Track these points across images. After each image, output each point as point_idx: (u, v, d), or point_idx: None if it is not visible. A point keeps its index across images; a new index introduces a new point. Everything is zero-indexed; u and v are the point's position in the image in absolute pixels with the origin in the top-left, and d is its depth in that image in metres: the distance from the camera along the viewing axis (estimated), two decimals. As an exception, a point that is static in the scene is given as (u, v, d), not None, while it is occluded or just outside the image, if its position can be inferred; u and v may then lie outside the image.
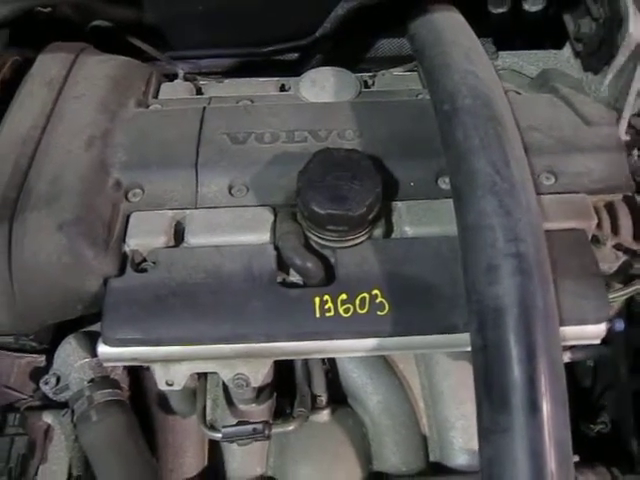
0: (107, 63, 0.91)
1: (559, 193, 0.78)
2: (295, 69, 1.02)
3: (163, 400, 0.80)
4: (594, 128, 0.82)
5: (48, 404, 0.77)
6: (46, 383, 0.75)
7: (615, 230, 0.80)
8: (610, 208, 0.80)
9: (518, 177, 0.64)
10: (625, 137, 0.85)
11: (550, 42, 0.99)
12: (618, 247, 0.79)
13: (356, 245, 0.72)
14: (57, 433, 0.75)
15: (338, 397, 0.82)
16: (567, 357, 0.99)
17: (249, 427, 0.70)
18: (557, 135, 0.81)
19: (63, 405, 0.76)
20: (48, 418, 0.76)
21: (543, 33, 1.02)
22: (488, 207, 0.62)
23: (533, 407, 0.56)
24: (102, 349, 0.69)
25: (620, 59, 0.81)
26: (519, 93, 0.92)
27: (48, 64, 0.88)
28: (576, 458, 0.79)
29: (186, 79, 1.01)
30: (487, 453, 0.59)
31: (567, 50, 0.95)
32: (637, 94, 0.82)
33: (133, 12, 1.07)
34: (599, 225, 0.78)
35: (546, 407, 0.56)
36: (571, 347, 0.98)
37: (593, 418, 0.97)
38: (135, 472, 0.65)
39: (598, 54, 0.84)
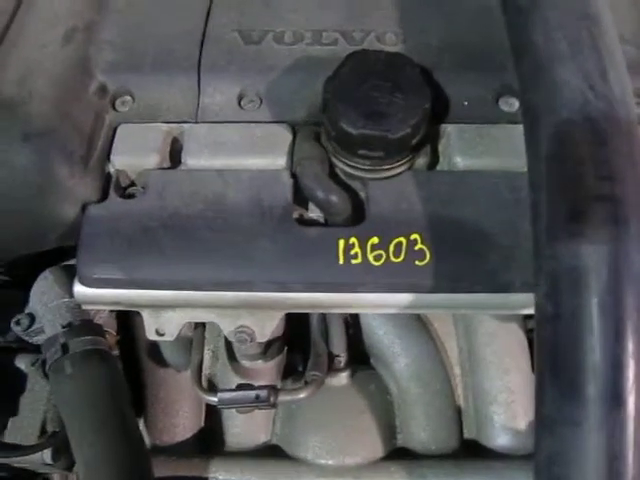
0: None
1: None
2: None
3: (155, 350, 0.69)
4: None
5: (22, 347, 0.67)
6: (18, 323, 0.64)
7: None
8: None
9: (619, 94, 0.48)
10: None
11: None
12: None
13: (394, 177, 0.58)
14: (31, 382, 0.65)
15: (360, 358, 0.69)
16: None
17: (251, 393, 0.58)
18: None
19: (38, 349, 0.66)
20: (21, 363, 0.65)
21: None
22: (576, 133, 0.47)
23: (616, 399, 0.44)
24: (78, 289, 0.58)
25: None
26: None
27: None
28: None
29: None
30: (548, 447, 0.47)
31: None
32: None
33: None
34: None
35: (633, 400, 0.44)
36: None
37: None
38: (115, 437, 0.55)
39: None
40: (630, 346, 0.44)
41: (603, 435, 0.44)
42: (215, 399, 0.59)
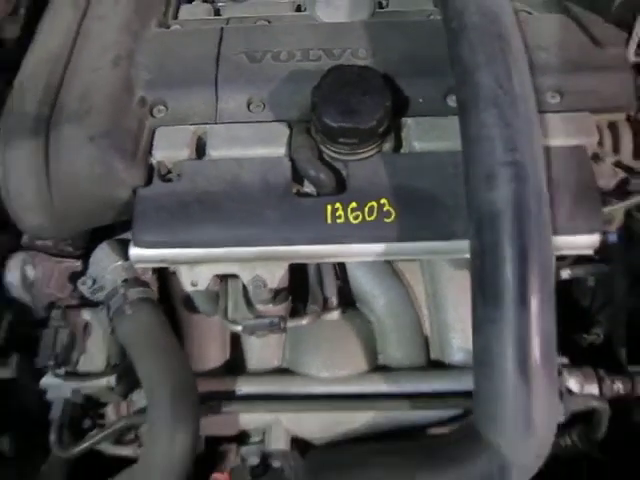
0: (128, -16, 0.94)
1: (564, 111, 0.81)
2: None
3: (188, 302, 0.87)
4: (603, 49, 0.84)
5: (85, 303, 0.85)
6: (83, 284, 0.82)
7: (616, 148, 0.83)
8: (613, 127, 0.83)
9: (520, 91, 0.67)
10: (634, 58, 0.87)
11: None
12: (618, 164, 0.82)
13: (366, 158, 0.77)
14: (95, 328, 0.83)
15: (348, 302, 0.89)
16: (567, 273, 1.04)
17: (267, 320, 0.77)
18: (565, 55, 0.83)
19: (98, 304, 0.84)
20: (86, 315, 0.84)
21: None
22: (489, 119, 0.66)
23: (522, 301, 0.62)
24: (133, 251, 0.76)
25: (632, -23, 0.81)
26: (530, 13, 0.93)
27: (73, -15, 0.91)
28: (565, 360, 0.86)
29: (204, 1, 1.03)
30: (478, 342, 0.66)
31: (582, -31, 0.95)
32: (648, 14, 0.83)
33: None
34: (600, 142, 0.81)
35: (534, 302, 0.62)
36: (573, 263, 1.03)
37: (588, 330, 1.04)
38: (167, 357, 0.73)
39: (610, -28, 0.85)
40: (531, 265, 0.63)
41: (514, 327, 0.62)
42: (239, 327, 0.78)
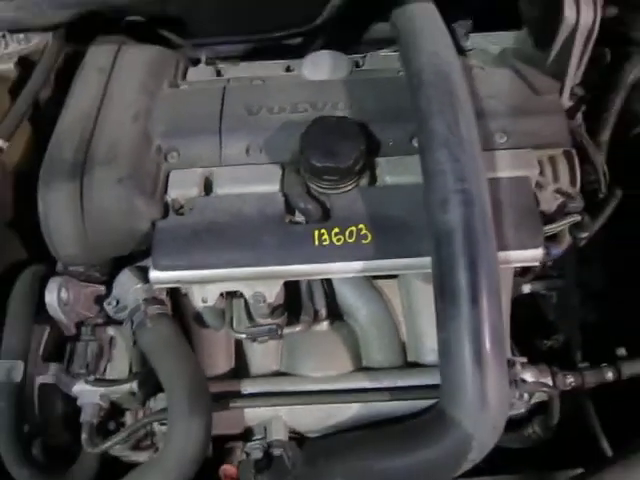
0: (144, 52, 1.12)
1: (510, 148, 0.97)
2: (298, 52, 1.21)
3: (198, 317, 1.01)
4: (541, 96, 1.01)
5: (109, 322, 0.99)
6: (109, 304, 0.96)
7: (556, 178, 0.99)
8: (552, 160, 1.00)
9: (466, 134, 0.83)
10: (569, 103, 1.05)
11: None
12: (558, 191, 0.98)
13: (346, 192, 0.92)
14: (119, 341, 0.97)
15: (335, 315, 1.03)
16: (528, 288, 1.20)
17: (266, 327, 0.91)
18: (510, 102, 1.00)
19: (121, 323, 0.98)
20: (111, 331, 0.98)
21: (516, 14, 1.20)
22: (442, 157, 0.81)
23: (473, 301, 0.76)
24: (153, 274, 0.90)
25: (560, 38, 0.98)
26: (483, 68, 1.10)
27: (98, 54, 1.09)
28: (524, 359, 1.00)
29: (207, 63, 1.21)
30: (441, 336, 0.79)
31: (524, 31, 1.13)
32: (575, 67, 1.00)
33: (159, 8, 1.27)
34: (542, 173, 0.98)
35: (483, 301, 0.76)
36: (533, 279, 1.18)
37: (549, 337, 1.18)
38: (184, 362, 0.86)
39: (544, 34, 1.02)
40: (479, 271, 0.76)
41: (468, 321, 0.75)
42: (243, 335, 0.92)
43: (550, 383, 0.96)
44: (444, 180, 0.80)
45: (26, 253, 1.05)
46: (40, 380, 0.90)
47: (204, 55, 1.23)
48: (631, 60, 1.07)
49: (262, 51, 1.27)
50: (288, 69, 1.15)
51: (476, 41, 1.17)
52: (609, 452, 1.00)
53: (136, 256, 1.00)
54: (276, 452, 0.91)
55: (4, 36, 1.07)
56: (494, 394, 0.75)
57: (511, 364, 0.91)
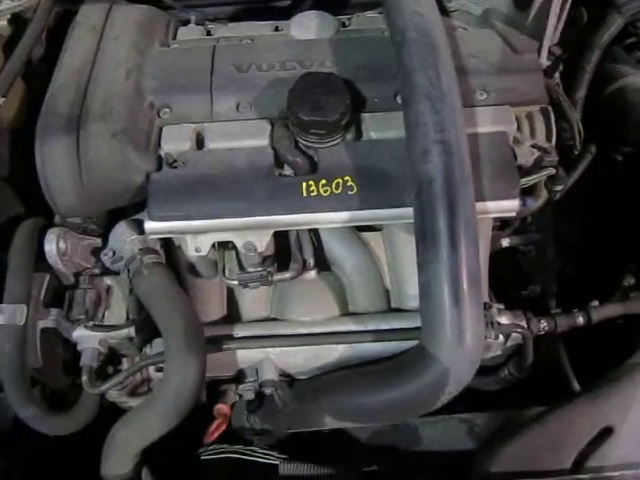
0: (135, 11, 1.14)
1: (489, 105, 1.01)
2: (286, 13, 1.24)
3: (190, 268, 1.05)
4: (520, 55, 1.05)
5: (106, 272, 1.03)
6: (105, 255, 1.00)
7: (532, 133, 1.04)
8: (529, 116, 1.04)
9: (447, 88, 0.87)
10: (546, 62, 1.09)
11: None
12: (534, 146, 1.03)
13: (333, 145, 0.96)
14: (115, 290, 1.01)
15: (323, 265, 1.08)
16: (507, 242, 1.25)
17: (257, 273, 0.96)
18: (490, 61, 1.04)
19: (117, 273, 1.02)
20: (108, 280, 1.02)
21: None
22: (424, 109, 0.85)
23: (452, 245, 0.81)
24: (148, 224, 0.94)
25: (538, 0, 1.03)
26: (465, 29, 1.14)
27: (89, 13, 1.11)
28: (501, 306, 1.06)
29: (197, 24, 1.23)
30: (422, 279, 0.84)
31: (505, -8, 1.16)
32: (553, 28, 1.04)
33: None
34: (519, 129, 1.02)
35: (461, 246, 0.81)
36: (512, 234, 1.24)
37: (525, 287, 1.24)
38: (179, 304, 0.91)
39: (524, -5, 1.06)
40: (458, 217, 0.81)
41: (447, 264, 0.80)
42: (235, 282, 0.97)
43: (525, 326, 1.02)
44: (425, 131, 0.85)
45: (23, 207, 1.08)
46: (42, 324, 0.94)
47: (194, 16, 1.26)
48: (606, 21, 1.11)
49: (251, 12, 1.30)
50: (276, 29, 1.18)
51: (459, 2, 1.20)
52: (579, 392, 1.07)
53: (130, 210, 1.04)
54: (267, 391, 0.97)
55: (-4, -6, 1.09)
56: (470, 331, 0.81)
57: (487, 307, 0.97)
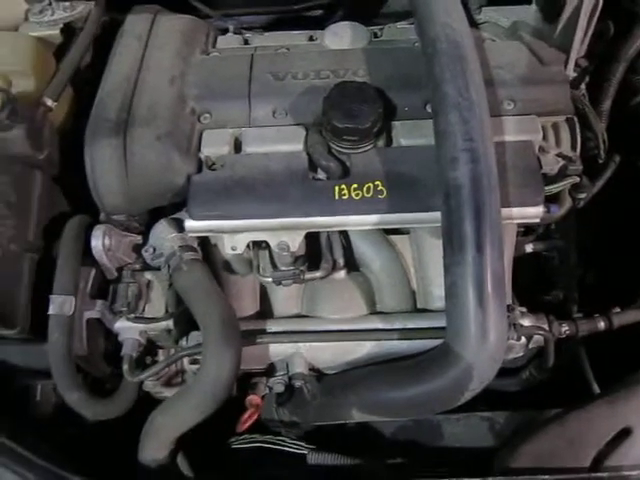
0: (178, 21, 1.20)
1: (516, 115, 1.05)
2: (321, 23, 1.28)
3: (226, 266, 1.11)
4: (547, 67, 1.08)
5: (146, 268, 1.09)
6: (146, 251, 1.06)
7: (558, 143, 1.07)
8: (555, 126, 1.08)
9: (475, 98, 0.91)
10: (573, 74, 1.12)
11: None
12: (559, 155, 1.06)
13: (365, 151, 1.00)
14: (155, 285, 1.07)
15: (352, 266, 1.12)
16: (530, 248, 1.28)
17: (290, 272, 1.01)
18: (518, 72, 1.08)
19: (157, 269, 1.08)
20: (149, 275, 1.08)
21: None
22: (453, 118, 0.89)
23: (478, 248, 0.85)
24: (189, 223, 0.99)
25: (567, 12, 1.06)
26: (494, 40, 1.18)
27: (135, 23, 1.17)
28: (524, 309, 1.09)
29: (235, 33, 1.29)
30: (449, 280, 0.88)
31: (534, 5, 1.20)
32: (580, 40, 1.08)
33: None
34: (545, 138, 1.06)
35: (487, 249, 0.85)
36: (536, 240, 1.27)
37: (547, 293, 1.27)
38: (216, 298, 0.97)
39: (551, 9, 1.09)
40: (484, 222, 0.85)
41: (473, 266, 0.84)
42: (270, 279, 1.02)
43: (547, 329, 1.05)
44: (454, 140, 0.89)
45: (72, 205, 1.15)
46: (88, 315, 1.01)
47: (231, 25, 1.32)
48: (632, 34, 1.14)
49: (286, 22, 1.35)
50: (311, 39, 1.23)
51: (488, 14, 1.23)
52: (599, 395, 1.10)
53: (169, 210, 1.09)
54: (297, 384, 1.02)
55: (50, 4, 1.16)
56: (494, 330, 0.85)
57: (511, 309, 1.00)
